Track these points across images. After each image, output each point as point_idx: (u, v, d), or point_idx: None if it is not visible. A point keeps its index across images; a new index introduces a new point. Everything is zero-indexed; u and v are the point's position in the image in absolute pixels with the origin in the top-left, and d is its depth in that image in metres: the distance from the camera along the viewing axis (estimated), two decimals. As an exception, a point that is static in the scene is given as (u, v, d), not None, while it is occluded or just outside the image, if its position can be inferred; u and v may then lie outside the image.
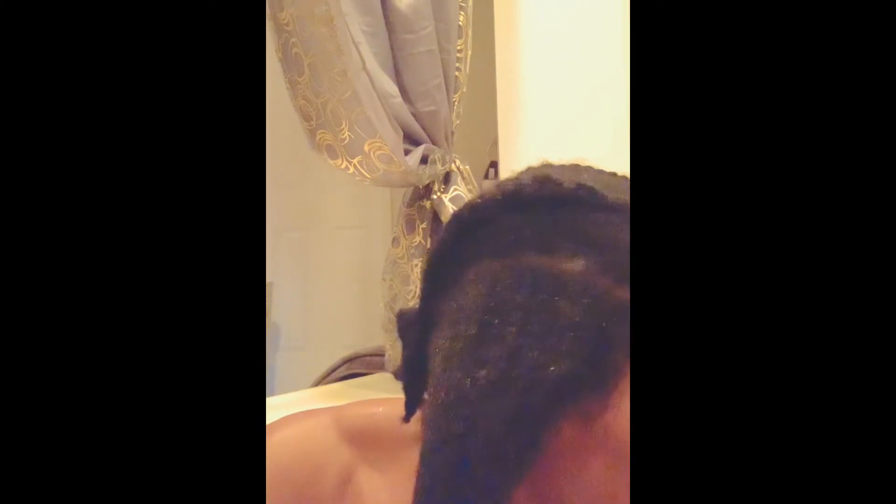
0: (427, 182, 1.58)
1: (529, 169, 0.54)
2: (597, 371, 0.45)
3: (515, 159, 1.65)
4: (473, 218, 0.50)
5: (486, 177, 2.29)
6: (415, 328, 0.52)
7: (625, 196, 0.48)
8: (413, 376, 0.52)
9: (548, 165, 0.54)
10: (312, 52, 1.42)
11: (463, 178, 1.62)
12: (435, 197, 1.58)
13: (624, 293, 0.45)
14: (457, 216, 0.51)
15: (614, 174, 0.53)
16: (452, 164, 1.60)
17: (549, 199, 0.48)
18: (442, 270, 0.51)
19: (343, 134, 1.45)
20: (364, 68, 1.41)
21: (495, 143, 1.73)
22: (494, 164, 2.17)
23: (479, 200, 0.50)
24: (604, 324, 0.45)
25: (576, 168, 0.53)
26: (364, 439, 0.61)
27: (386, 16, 1.47)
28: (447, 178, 1.60)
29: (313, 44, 1.41)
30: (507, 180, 0.51)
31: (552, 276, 0.46)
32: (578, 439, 0.46)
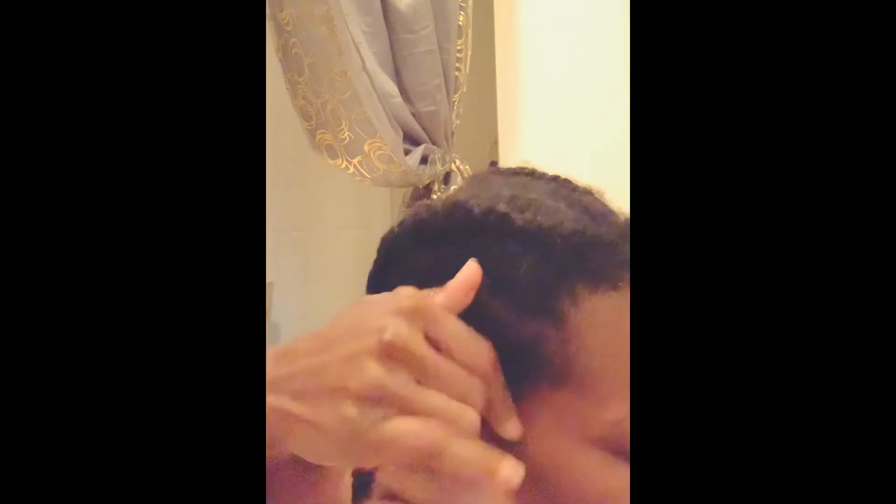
0: (427, 182, 1.58)
1: (476, 174, 0.54)
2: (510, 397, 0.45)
3: (515, 159, 1.65)
4: (389, 250, 0.51)
5: (486, 176, 2.28)
6: None
7: (545, 216, 0.47)
8: None
9: (478, 179, 0.54)
10: (312, 52, 1.42)
11: (463, 178, 1.62)
12: (435, 197, 1.58)
13: (521, 322, 0.46)
14: (383, 241, 0.51)
15: (556, 178, 0.52)
16: (452, 164, 1.60)
17: (458, 228, 0.48)
18: (377, 291, 0.50)
19: (343, 134, 1.45)
20: (364, 68, 1.42)
21: (495, 143, 1.74)
22: (494, 164, 2.17)
23: (396, 231, 0.51)
24: (506, 351, 0.45)
25: (508, 179, 0.53)
26: None
27: (386, 16, 1.47)
28: (447, 178, 1.60)
29: (313, 44, 1.41)
30: (426, 206, 0.50)
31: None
32: None
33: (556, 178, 0.53)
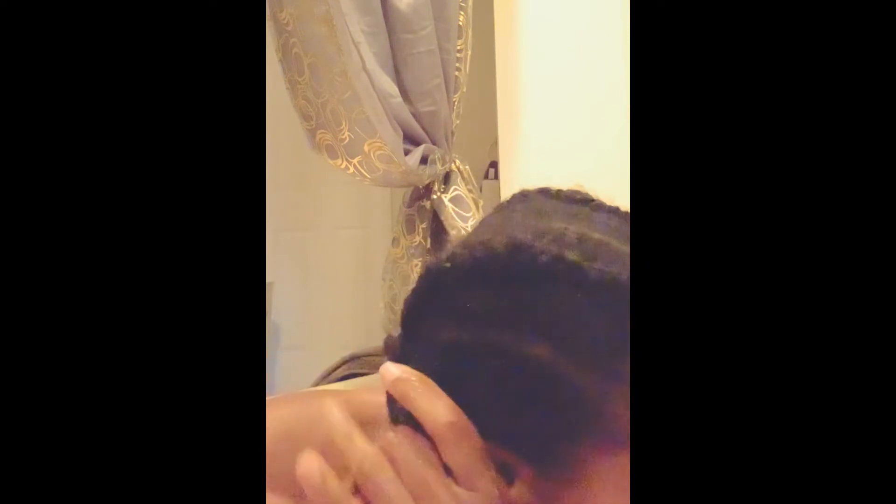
0: (427, 182, 1.58)
1: (524, 194, 0.51)
2: (557, 459, 0.44)
3: (515, 159, 1.65)
4: (443, 281, 0.47)
5: (486, 177, 2.29)
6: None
7: (618, 266, 0.45)
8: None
9: (530, 204, 0.50)
10: (312, 52, 1.42)
11: (463, 178, 1.62)
12: (435, 197, 1.58)
13: (588, 382, 0.44)
14: (430, 271, 0.48)
15: (617, 211, 0.49)
16: (452, 164, 1.60)
17: (521, 274, 0.45)
18: (416, 322, 0.49)
19: (343, 134, 1.45)
20: (364, 68, 1.41)
21: (495, 143, 1.73)
22: (494, 164, 2.17)
23: (448, 264, 0.47)
24: (567, 412, 0.44)
25: (566, 209, 0.49)
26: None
27: (386, 16, 1.47)
28: (447, 178, 1.60)
29: (313, 44, 1.41)
30: (482, 243, 0.46)
31: (517, 357, 0.44)
32: None
33: (616, 211, 0.50)
